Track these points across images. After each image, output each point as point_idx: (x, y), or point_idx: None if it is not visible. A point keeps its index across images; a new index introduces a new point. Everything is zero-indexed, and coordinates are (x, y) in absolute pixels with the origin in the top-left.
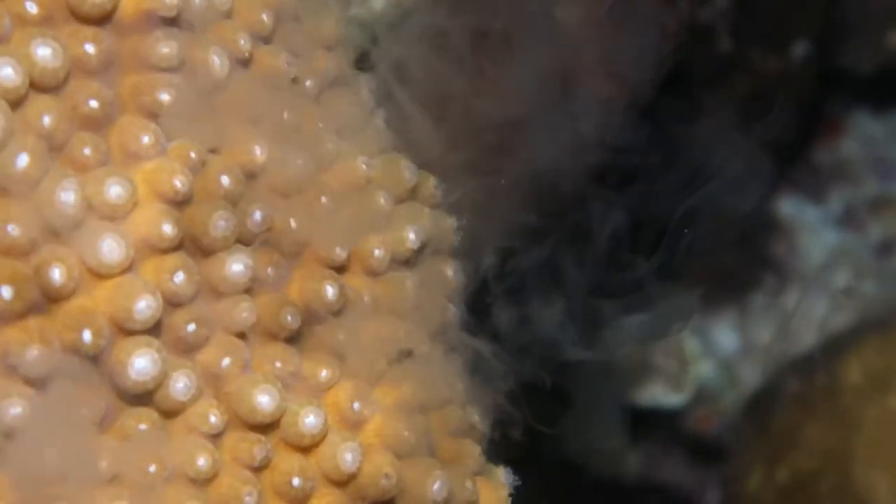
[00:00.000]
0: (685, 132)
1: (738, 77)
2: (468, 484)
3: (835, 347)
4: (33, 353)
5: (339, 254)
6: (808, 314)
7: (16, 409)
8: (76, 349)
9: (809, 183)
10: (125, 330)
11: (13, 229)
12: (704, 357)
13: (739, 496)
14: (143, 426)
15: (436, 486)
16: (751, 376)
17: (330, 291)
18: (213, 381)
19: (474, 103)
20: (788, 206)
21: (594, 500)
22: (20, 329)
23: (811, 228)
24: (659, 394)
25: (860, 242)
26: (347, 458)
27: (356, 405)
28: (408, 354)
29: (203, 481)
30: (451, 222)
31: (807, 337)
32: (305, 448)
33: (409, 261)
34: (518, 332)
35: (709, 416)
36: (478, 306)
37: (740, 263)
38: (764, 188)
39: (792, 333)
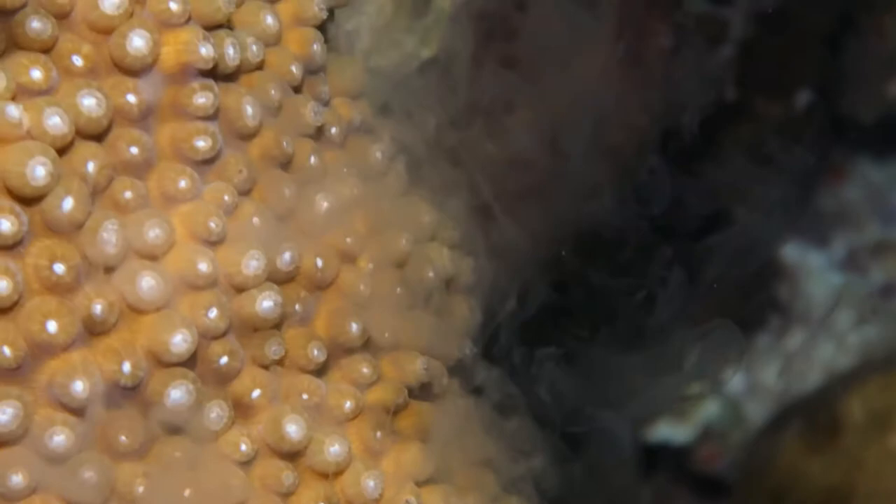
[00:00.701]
0: (696, 179)
1: (742, 124)
2: None
3: (838, 387)
4: (76, 384)
5: (363, 290)
6: (812, 355)
7: (59, 437)
8: (116, 380)
9: (813, 228)
10: (162, 362)
11: (59, 268)
12: (710, 396)
13: None
14: (177, 454)
15: None
16: (756, 415)
17: (354, 327)
18: (243, 411)
19: (490, 149)
20: (792, 250)
21: None
22: (64, 361)
23: (815, 272)
24: (666, 430)
25: (862, 285)
26: (370, 484)
27: (378, 435)
28: (427, 387)
29: None
30: (468, 262)
31: (811, 377)
32: (331, 475)
33: (429, 298)
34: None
35: (715, 453)
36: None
37: (746, 305)
38: (772, 233)
39: (796, 373)
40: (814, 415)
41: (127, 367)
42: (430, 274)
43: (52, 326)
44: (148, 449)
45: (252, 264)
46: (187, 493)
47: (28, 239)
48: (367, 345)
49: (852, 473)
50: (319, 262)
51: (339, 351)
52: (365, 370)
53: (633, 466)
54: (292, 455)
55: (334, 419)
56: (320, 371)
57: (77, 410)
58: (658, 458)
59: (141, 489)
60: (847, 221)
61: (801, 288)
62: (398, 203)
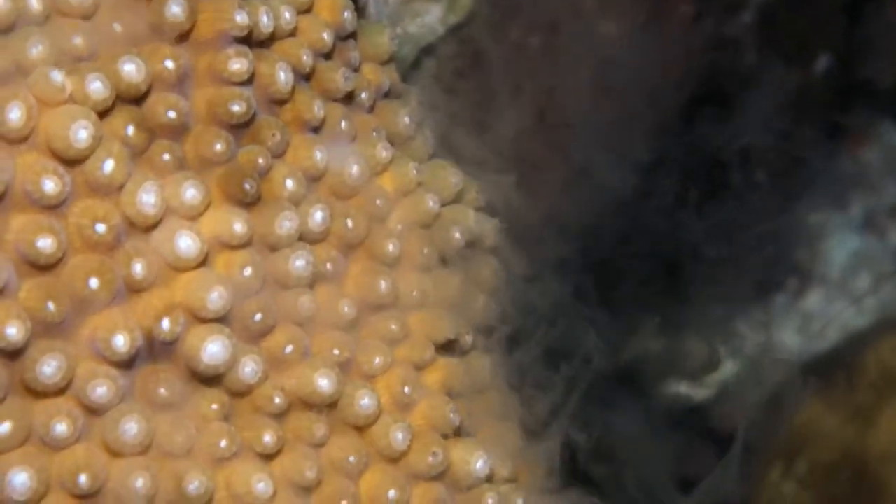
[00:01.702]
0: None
1: (762, 90)
2: (508, 464)
3: (853, 346)
4: (118, 338)
5: (392, 251)
6: (830, 316)
7: (101, 389)
8: (155, 335)
9: (832, 190)
10: (199, 318)
11: (100, 227)
12: (729, 356)
13: (761, 488)
14: (214, 406)
15: (479, 464)
16: (773, 375)
17: (383, 285)
18: (276, 366)
19: (515, 113)
20: (811, 213)
21: None
22: (106, 317)
23: (833, 234)
24: (684, 388)
25: (880, 247)
26: (399, 437)
27: (406, 389)
28: (453, 343)
29: (268, 456)
30: (493, 223)
31: (828, 338)
32: (360, 428)
33: (454, 258)
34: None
35: (732, 413)
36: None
37: (764, 266)
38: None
39: (814, 334)
40: (829, 373)
41: (166, 323)
42: (457, 235)
43: (94, 283)
44: (186, 401)
45: (285, 225)
46: (224, 443)
47: (71, 199)
48: (395, 303)
49: (867, 431)
50: (349, 223)
51: (368, 308)
52: (393, 327)
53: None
54: (324, 408)
55: (364, 374)
56: (350, 328)
57: (118, 364)
58: (677, 416)
59: (179, 440)
60: (866, 184)
61: (819, 250)
62: (425, 166)
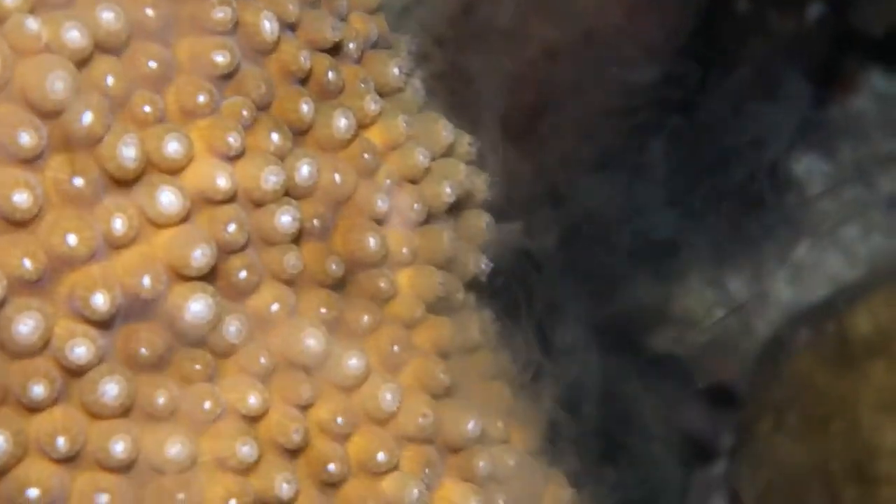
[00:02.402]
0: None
1: (755, 38)
2: (499, 424)
3: (845, 298)
4: (97, 296)
5: (381, 206)
6: (820, 266)
7: (80, 349)
8: (136, 294)
9: (821, 140)
10: (182, 276)
11: (78, 181)
12: (719, 306)
13: (751, 440)
14: (197, 367)
15: (470, 425)
16: (764, 326)
17: (372, 242)
18: (262, 325)
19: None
20: (801, 162)
21: None
22: (84, 274)
23: (823, 184)
24: (675, 340)
25: (870, 197)
26: (388, 397)
27: (396, 349)
28: (443, 302)
29: (254, 418)
30: (484, 178)
31: (818, 288)
32: (349, 388)
33: (445, 214)
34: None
35: (723, 364)
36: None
37: (754, 216)
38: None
39: (804, 284)
40: (821, 326)
41: (147, 280)
42: (447, 190)
43: (72, 239)
44: (168, 362)
45: (270, 179)
46: (207, 405)
47: (48, 153)
48: (384, 260)
49: (859, 384)
50: (337, 178)
51: (356, 266)
52: (382, 285)
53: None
54: (311, 368)
55: (352, 333)
56: (338, 285)
57: (98, 323)
58: (666, 367)
59: (161, 401)
60: (856, 133)
61: (808, 199)
62: (415, 119)
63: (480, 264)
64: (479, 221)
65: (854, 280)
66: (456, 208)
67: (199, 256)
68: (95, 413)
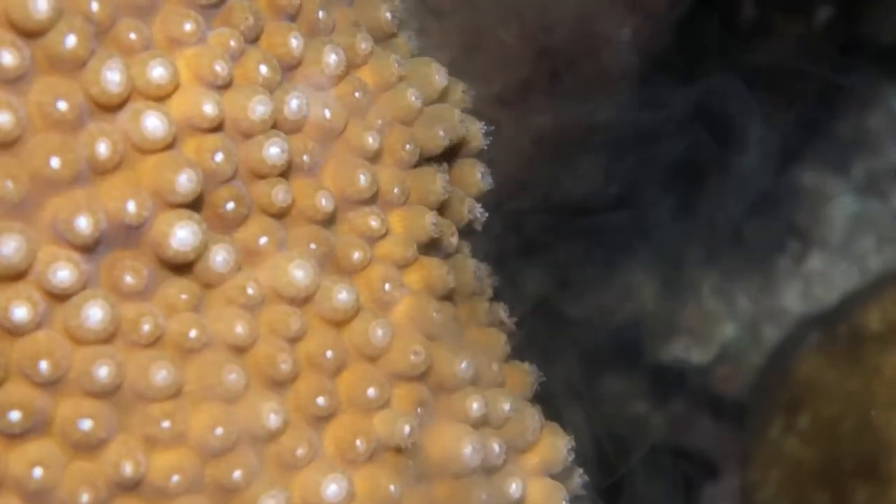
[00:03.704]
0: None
1: (762, 42)
2: (494, 366)
3: (855, 301)
4: (80, 220)
5: (371, 144)
6: (833, 279)
7: (63, 272)
8: (121, 219)
9: (832, 152)
10: (167, 203)
11: (62, 105)
12: (728, 318)
13: (762, 443)
14: (183, 296)
15: (463, 365)
16: (773, 337)
17: (362, 178)
18: (250, 258)
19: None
20: (811, 175)
21: None
22: (68, 198)
23: (834, 196)
24: (682, 352)
25: (882, 210)
26: (378, 333)
27: (387, 286)
28: (436, 245)
29: (240, 348)
30: (479, 126)
31: (830, 301)
32: (338, 323)
33: (438, 158)
34: None
35: (732, 375)
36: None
37: (764, 228)
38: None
39: (816, 297)
40: (831, 327)
41: (132, 205)
42: (440, 133)
43: (55, 162)
44: (153, 291)
45: (258, 109)
46: (193, 333)
47: (31, 76)
48: (375, 199)
49: (871, 380)
50: (327, 113)
51: (346, 204)
52: (373, 223)
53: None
54: (300, 301)
55: (342, 270)
56: (328, 224)
57: (81, 247)
58: (674, 379)
59: (146, 328)
60: (867, 146)
61: (820, 212)
62: (408, 62)
63: (476, 211)
64: (474, 171)
65: (863, 285)
66: (450, 156)
67: (185, 182)
68: (79, 338)
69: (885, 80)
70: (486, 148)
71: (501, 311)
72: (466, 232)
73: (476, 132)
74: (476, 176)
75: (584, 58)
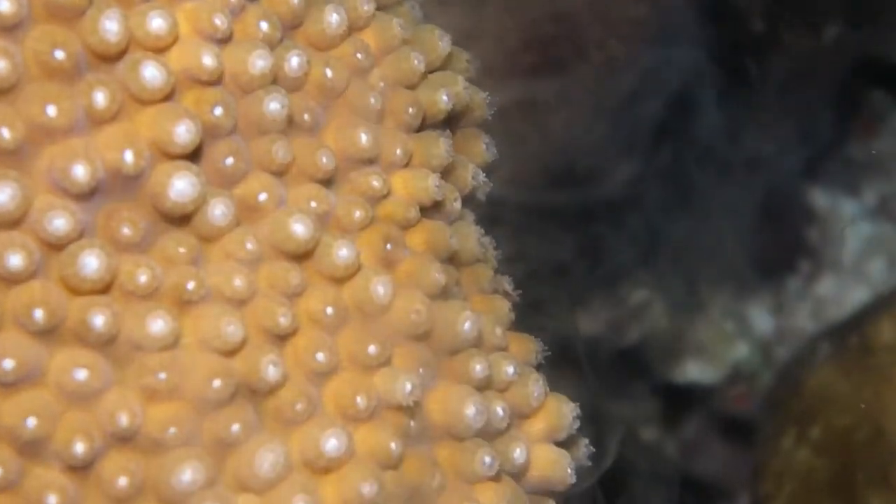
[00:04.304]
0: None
1: (772, 57)
2: (498, 331)
3: (867, 313)
4: (77, 168)
5: (374, 104)
6: (844, 300)
7: (59, 221)
8: (118, 169)
9: (843, 176)
10: (166, 154)
11: (59, 54)
12: (740, 338)
13: (774, 456)
14: (182, 249)
15: (466, 325)
16: (786, 357)
17: (364, 138)
18: (249, 214)
19: None
20: (822, 197)
21: None
22: (64, 147)
23: (846, 219)
24: (694, 371)
25: (894, 232)
26: (380, 290)
27: (389, 246)
28: (439, 207)
29: (239, 301)
30: (484, 96)
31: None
32: (339, 280)
33: (441, 126)
34: None
35: (744, 395)
36: None
37: (776, 248)
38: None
39: (827, 318)
40: (843, 339)
41: (129, 155)
42: (444, 97)
43: (51, 110)
44: (151, 244)
45: (258, 63)
46: (191, 285)
47: (28, 24)
48: (377, 159)
49: (884, 390)
50: (328, 72)
51: (348, 164)
52: (375, 183)
53: None
54: (299, 256)
55: (343, 229)
56: (329, 184)
57: (78, 196)
58: (686, 398)
59: (143, 279)
60: (879, 170)
61: (831, 234)
62: (412, 28)
63: (480, 178)
64: (479, 141)
65: (874, 299)
66: (454, 124)
67: (184, 132)
68: (74, 288)
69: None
70: (490, 119)
71: (505, 283)
72: (470, 201)
73: (480, 101)
74: (480, 146)
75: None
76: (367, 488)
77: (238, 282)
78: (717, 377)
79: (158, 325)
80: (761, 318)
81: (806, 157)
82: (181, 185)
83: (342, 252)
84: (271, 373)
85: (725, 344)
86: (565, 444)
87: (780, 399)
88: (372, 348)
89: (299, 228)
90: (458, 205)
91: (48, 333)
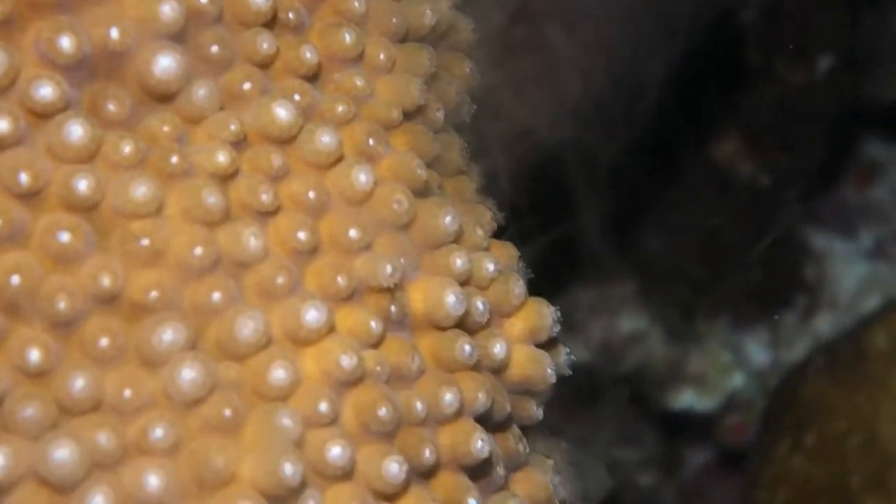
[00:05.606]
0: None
1: (764, 88)
2: (479, 232)
3: (860, 327)
4: (63, 39)
5: (358, 8)
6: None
7: (46, 89)
8: (104, 45)
9: (838, 219)
10: (151, 33)
11: None
12: (737, 368)
13: (769, 464)
14: (166, 128)
15: (447, 219)
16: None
17: (348, 37)
18: (233, 103)
19: None
20: (818, 237)
21: None
22: (51, 20)
23: (841, 260)
24: (691, 399)
25: (891, 273)
26: (361, 177)
27: (371, 140)
28: (422, 112)
29: (222, 177)
30: (468, 22)
31: None
32: (321, 166)
33: (426, 38)
34: None
35: (741, 424)
36: None
37: (772, 282)
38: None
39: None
40: (837, 351)
41: (115, 32)
42: (428, 11)
43: None
44: (136, 122)
45: None
46: (174, 159)
47: None
48: (360, 59)
49: (877, 396)
50: None
51: (332, 64)
52: (359, 83)
53: None
54: (283, 141)
55: (326, 123)
56: (313, 81)
57: (64, 67)
58: (682, 426)
59: (127, 150)
60: (874, 214)
61: (827, 273)
62: None
63: (464, 96)
64: (463, 65)
65: (868, 312)
66: (438, 44)
67: (168, 11)
68: (60, 156)
69: (890, 150)
70: (474, 43)
71: (490, 205)
72: (455, 120)
73: (466, 26)
74: (465, 69)
75: None
76: (347, 360)
77: (221, 157)
78: (713, 405)
79: (142, 190)
80: (758, 351)
81: (800, 194)
82: (166, 62)
83: (325, 138)
84: (252, 244)
85: (722, 373)
86: (545, 347)
87: (775, 410)
88: (353, 232)
89: (282, 112)
90: (440, 114)
91: (33, 196)
